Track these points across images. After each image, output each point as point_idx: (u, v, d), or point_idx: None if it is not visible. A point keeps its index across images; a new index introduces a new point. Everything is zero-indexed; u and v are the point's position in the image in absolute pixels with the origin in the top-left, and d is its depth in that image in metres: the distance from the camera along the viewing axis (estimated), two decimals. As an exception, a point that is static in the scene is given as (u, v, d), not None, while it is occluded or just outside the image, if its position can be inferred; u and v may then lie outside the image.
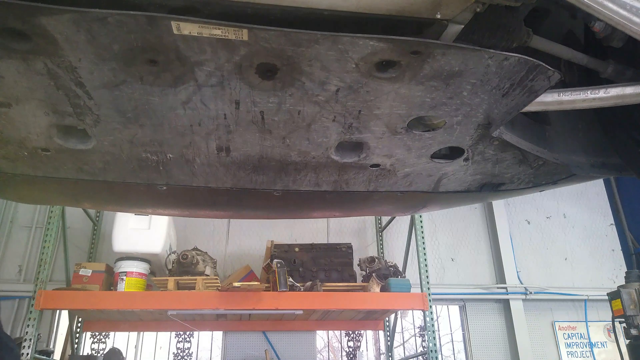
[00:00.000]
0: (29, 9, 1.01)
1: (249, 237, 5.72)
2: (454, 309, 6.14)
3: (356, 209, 2.50)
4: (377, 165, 1.74)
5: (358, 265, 4.80)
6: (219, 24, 1.06)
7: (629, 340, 3.37)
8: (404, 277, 4.69)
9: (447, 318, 6.21)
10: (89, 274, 4.28)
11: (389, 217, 5.74)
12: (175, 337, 5.38)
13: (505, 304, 5.98)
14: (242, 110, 1.37)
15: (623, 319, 3.40)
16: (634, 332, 3.32)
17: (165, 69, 1.20)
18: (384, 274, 4.51)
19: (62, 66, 1.18)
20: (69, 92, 1.29)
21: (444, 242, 6.22)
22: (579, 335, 5.99)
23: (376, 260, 4.67)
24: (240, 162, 1.67)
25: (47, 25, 1.05)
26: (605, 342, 5.98)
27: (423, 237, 4.69)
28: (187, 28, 1.06)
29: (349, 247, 4.76)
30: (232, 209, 2.42)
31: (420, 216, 4.80)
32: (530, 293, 5.95)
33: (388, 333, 5.47)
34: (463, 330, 5.98)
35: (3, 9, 1.00)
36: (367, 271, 4.63)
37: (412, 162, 1.73)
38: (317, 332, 5.64)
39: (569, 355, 5.87)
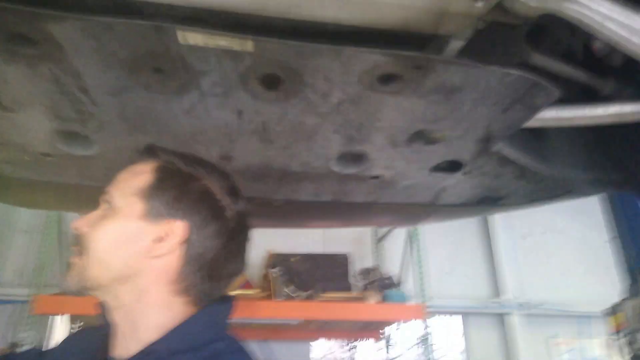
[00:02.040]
0: (37, 15, 1.02)
1: (247, 246, 5.70)
2: (452, 322, 6.12)
3: (356, 220, 2.50)
4: (377, 177, 1.75)
5: (354, 276, 4.79)
6: (224, 35, 1.07)
7: (629, 356, 3.35)
8: (402, 288, 4.68)
9: (445, 330, 6.19)
10: (86, 279, 4.24)
11: (387, 228, 5.73)
12: (170, 345, 5.33)
13: (502, 318, 5.96)
14: (244, 120, 1.38)
15: (623, 334, 3.38)
16: (634, 347, 3.31)
17: (170, 77, 1.21)
18: (382, 284, 4.50)
19: (68, 72, 1.19)
20: (73, 98, 1.29)
21: (440, 255, 6.20)
22: (577, 350, 5.96)
23: (373, 271, 4.66)
24: (241, 171, 1.67)
25: (54, 32, 1.06)
26: (605, 357, 5.95)
27: (420, 249, 4.69)
28: (193, 38, 1.07)
29: (345, 257, 4.77)
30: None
31: (418, 227, 4.80)
32: (527, 308, 5.92)
33: (386, 344, 5.45)
34: (461, 342, 5.95)
35: (12, 14, 1.02)
36: (365, 282, 4.62)
37: (412, 175, 1.74)
38: (315, 341, 5.61)
39: (566, 371, 5.84)
